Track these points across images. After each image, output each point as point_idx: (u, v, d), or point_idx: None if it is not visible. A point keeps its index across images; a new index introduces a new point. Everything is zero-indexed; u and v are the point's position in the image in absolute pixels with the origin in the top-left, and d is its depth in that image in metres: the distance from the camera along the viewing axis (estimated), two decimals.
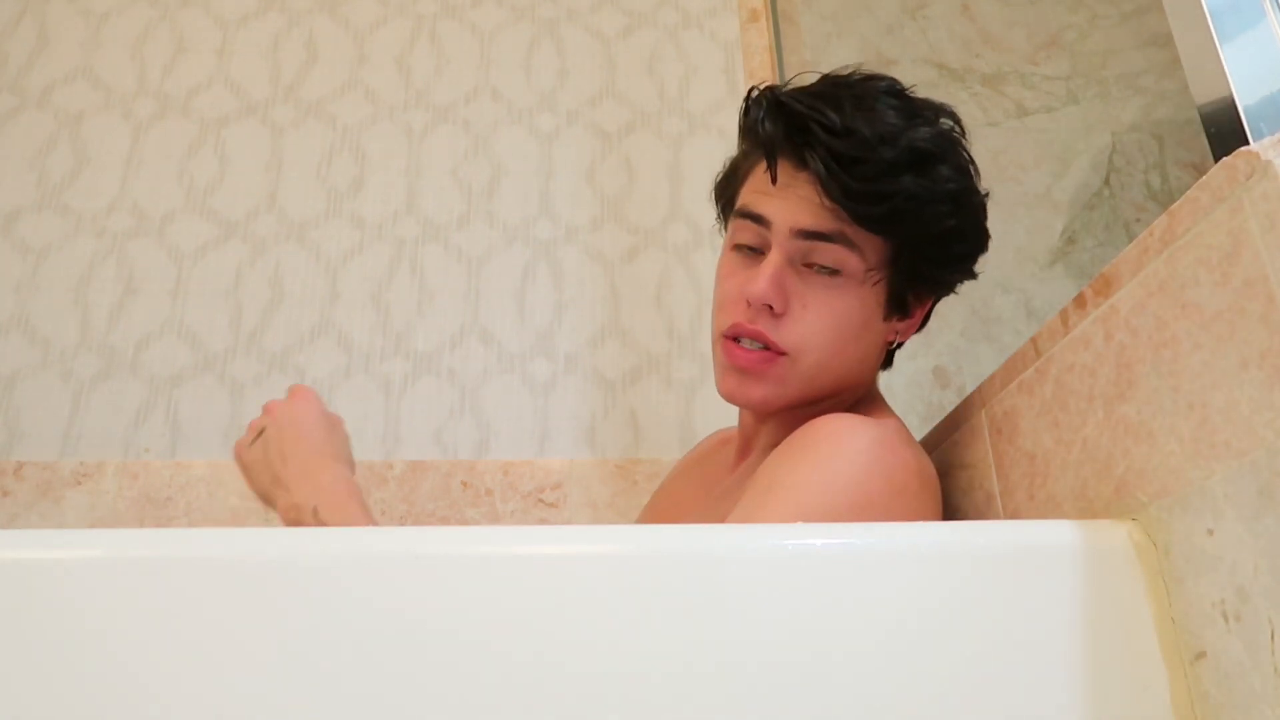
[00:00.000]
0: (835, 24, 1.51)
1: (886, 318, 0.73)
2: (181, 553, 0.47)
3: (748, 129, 0.76)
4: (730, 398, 0.73)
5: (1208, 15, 0.53)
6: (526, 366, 1.28)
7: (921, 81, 0.87)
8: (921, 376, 1.28)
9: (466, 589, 0.47)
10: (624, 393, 1.27)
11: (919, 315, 0.76)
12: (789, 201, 0.70)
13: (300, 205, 1.36)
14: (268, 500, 0.71)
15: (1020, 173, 1.42)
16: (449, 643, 0.46)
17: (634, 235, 1.38)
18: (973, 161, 0.74)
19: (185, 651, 0.44)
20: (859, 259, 0.70)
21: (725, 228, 0.82)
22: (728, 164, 0.82)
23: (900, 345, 0.79)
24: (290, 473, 0.69)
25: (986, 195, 0.75)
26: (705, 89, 1.49)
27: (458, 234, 1.36)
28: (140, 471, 1.17)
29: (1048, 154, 1.44)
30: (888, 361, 0.80)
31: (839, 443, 0.64)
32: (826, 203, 0.68)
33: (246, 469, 0.74)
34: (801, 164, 0.70)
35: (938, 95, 0.74)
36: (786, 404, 0.72)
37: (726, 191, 0.81)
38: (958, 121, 0.73)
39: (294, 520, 0.66)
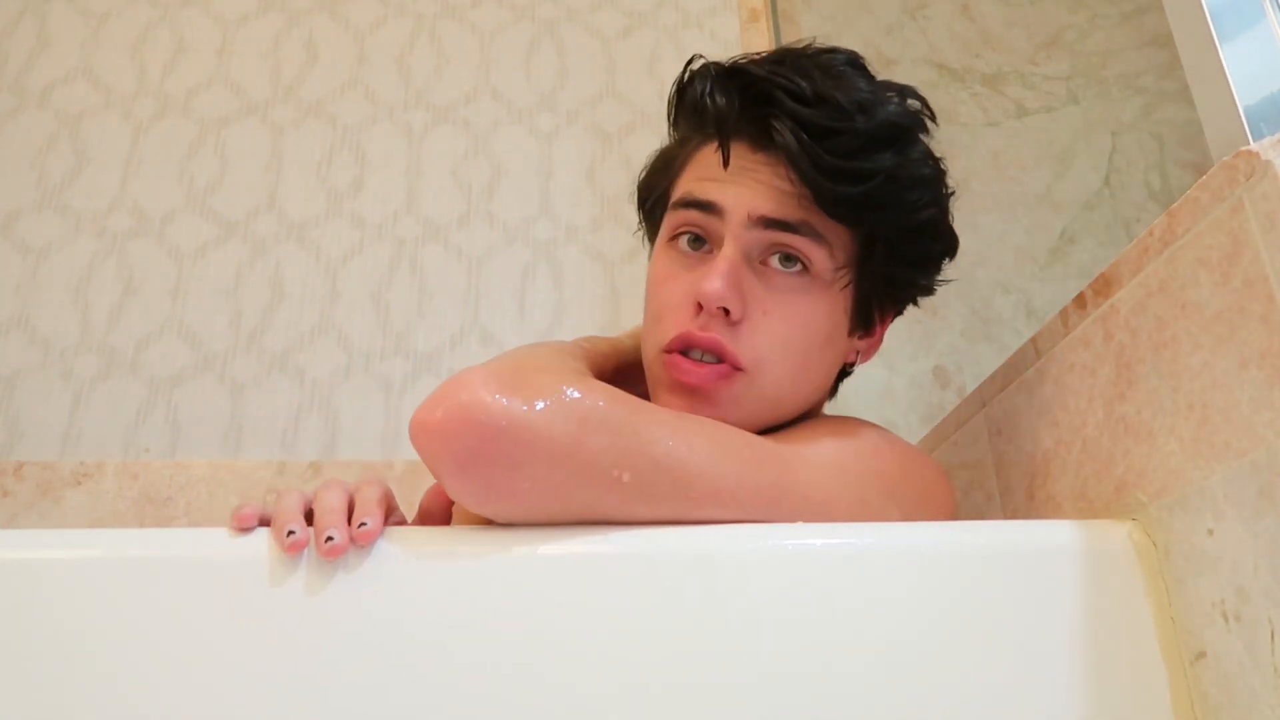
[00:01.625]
0: (835, 24, 1.51)
1: (851, 332, 0.64)
2: (181, 553, 0.47)
3: (690, 108, 0.65)
4: None
5: (1208, 15, 0.53)
6: None
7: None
8: (921, 376, 1.28)
9: (465, 591, 0.47)
10: None
11: (880, 334, 0.67)
12: (745, 187, 0.60)
13: (300, 205, 1.36)
14: None
15: (1020, 173, 1.41)
16: (446, 643, 0.46)
17: (634, 235, 1.38)
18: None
19: (186, 651, 0.44)
20: (827, 254, 0.60)
21: (651, 235, 0.71)
22: (654, 156, 0.70)
23: (851, 371, 0.70)
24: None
25: (952, 194, 0.65)
26: None
27: (458, 234, 1.36)
28: (140, 471, 1.16)
29: (1048, 154, 1.44)
30: (833, 390, 0.70)
31: (858, 431, 0.61)
32: (791, 187, 0.58)
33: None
34: (760, 143, 0.60)
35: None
36: None
37: (656, 188, 0.69)
38: (926, 104, 0.64)
39: None
